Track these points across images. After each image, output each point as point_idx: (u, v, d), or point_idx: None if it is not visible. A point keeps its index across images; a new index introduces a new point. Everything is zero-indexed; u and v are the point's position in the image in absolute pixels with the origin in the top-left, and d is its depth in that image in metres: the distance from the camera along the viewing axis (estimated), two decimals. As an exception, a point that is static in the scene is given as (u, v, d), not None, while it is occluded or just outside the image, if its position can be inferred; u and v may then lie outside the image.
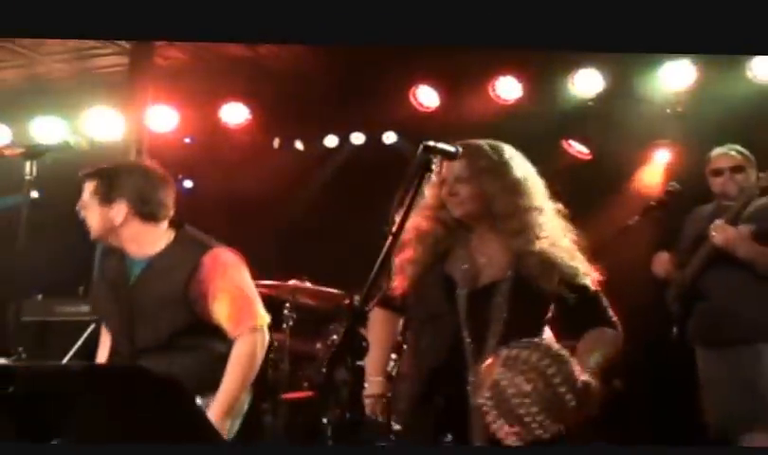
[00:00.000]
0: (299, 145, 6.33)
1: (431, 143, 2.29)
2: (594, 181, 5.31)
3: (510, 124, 5.38)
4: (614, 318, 2.65)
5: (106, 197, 2.98)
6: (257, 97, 5.96)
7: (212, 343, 2.97)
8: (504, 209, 2.57)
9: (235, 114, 5.99)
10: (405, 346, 3.28)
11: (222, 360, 2.93)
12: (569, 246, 2.60)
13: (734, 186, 3.96)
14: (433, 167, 2.29)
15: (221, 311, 2.93)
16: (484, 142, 2.67)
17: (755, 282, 3.72)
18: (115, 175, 3.01)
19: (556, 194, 2.71)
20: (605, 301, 2.66)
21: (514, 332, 2.45)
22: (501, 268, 2.57)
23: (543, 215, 2.61)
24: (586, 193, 5.03)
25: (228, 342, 2.94)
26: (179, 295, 2.93)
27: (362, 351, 2.05)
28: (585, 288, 2.59)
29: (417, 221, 2.60)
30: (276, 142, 6.30)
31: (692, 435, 4.10)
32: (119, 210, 2.98)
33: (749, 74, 4.97)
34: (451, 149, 2.35)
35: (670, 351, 4.00)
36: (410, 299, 2.66)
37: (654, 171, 5.35)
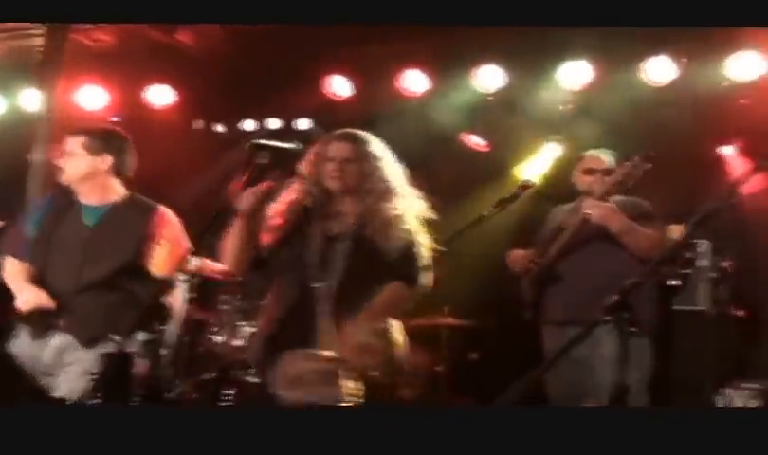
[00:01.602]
0: (219, 128, 6.56)
1: (261, 141, 2.75)
2: (489, 173, 5.63)
3: (415, 116, 5.72)
4: (417, 273, 3.11)
5: (96, 150, 3.66)
6: (181, 80, 6.20)
7: (137, 286, 3.60)
8: (371, 184, 3.13)
9: (161, 96, 6.25)
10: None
11: (136, 305, 3.53)
12: (412, 219, 3.15)
13: (602, 186, 4.34)
14: (264, 161, 2.73)
15: (160, 256, 3.61)
16: (363, 132, 3.24)
17: (608, 267, 4.00)
18: (105, 134, 3.76)
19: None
20: (420, 260, 3.12)
21: (353, 278, 3.03)
22: (348, 224, 3.13)
23: (396, 193, 3.16)
24: (481, 184, 5.43)
25: (147, 288, 3.58)
26: (132, 239, 3.62)
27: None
28: (407, 247, 3.09)
29: (290, 194, 3.15)
30: (197, 124, 6.53)
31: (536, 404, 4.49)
32: (105, 161, 3.67)
33: (643, 76, 5.26)
34: (290, 145, 2.78)
35: (523, 329, 4.37)
36: (274, 255, 3.16)
37: (544, 164, 5.69)
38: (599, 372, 4.04)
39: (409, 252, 3.10)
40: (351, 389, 2.82)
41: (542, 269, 4.30)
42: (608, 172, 4.27)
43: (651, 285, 4.29)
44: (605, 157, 4.36)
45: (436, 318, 5.04)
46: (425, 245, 3.15)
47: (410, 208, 3.18)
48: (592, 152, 4.42)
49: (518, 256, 4.45)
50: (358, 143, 3.18)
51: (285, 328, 3.06)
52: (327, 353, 2.89)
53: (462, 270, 4.79)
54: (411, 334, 3.20)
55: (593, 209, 4.13)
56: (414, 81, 5.79)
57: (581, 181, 4.35)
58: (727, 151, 5.25)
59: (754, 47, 4.88)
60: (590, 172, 4.34)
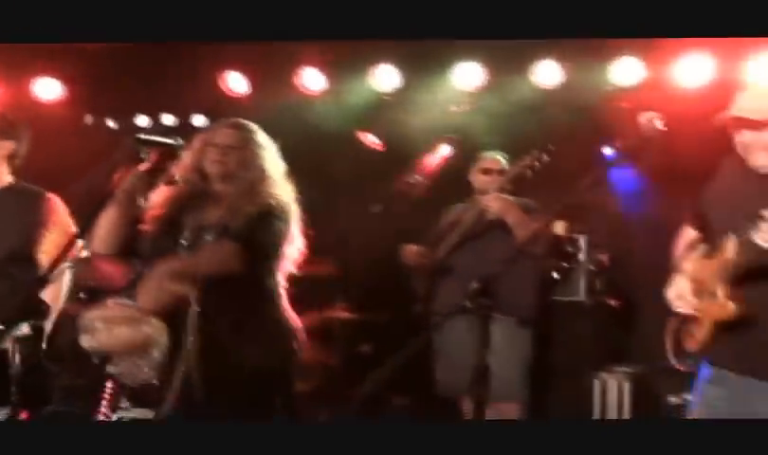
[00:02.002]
0: (111, 123, 6.44)
1: (143, 136, 2.77)
2: (384, 171, 5.68)
3: (312, 114, 5.77)
4: (260, 239, 3.12)
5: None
6: (71, 73, 6.05)
7: (23, 273, 3.54)
8: (250, 172, 3.17)
9: (48, 89, 6.08)
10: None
11: (18, 294, 3.47)
12: (285, 208, 3.18)
13: (498, 183, 4.51)
14: (143, 156, 2.75)
15: (49, 242, 3.56)
16: (249, 122, 3.29)
17: (500, 261, 4.02)
18: (5, 121, 3.74)
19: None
20: (268, 231, 3.13)
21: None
22: (219, 215, 3.13)
23: (273, 183, 3.20)
24: (375, 181, 5.51)
25: (31, 274, 3.52)
26: (19, 225, 3.57)
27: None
28: (261, 216, 3.12)
29: (169, 185, 3.18)
30: (88, 119, 6.40)
31: (423, 390, 4.64)
32: (4, 147, 3.63)
33: (533, 79, 5.42)
34: (169, 141, 2.80)
35: (415, 322, 4.48)
36: (149, 244, 3.18)
37: (434, 162, 5.81)
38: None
39: (260, 221, 3.12)
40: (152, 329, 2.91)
41: (435, 263, 4.44)
42: (502, 172, 4.53)
43: (534, 277, 4.49)
44: (501, 159, 4.62)
45: (329, 312, 5.09)
46: (283, 220, 3.16)
47: (284, 197, 3.20)
48: (489, 153, 4.67)
49: (411, 251, 4.59)
50: (243, 131, 3.23)
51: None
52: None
53: (354, 265, 4.88)
54: (306, 328, 3.24)
55: (493, 202, 4.30)
56: (312, 80, 5.81)
57: (478, 180, 4.60)
58: (608, 151, 5.47)
59: (634, 55, 5.10)
60: (486, 171, 4.58)
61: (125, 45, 5.78)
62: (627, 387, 5.07)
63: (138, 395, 4.07)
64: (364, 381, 4.78)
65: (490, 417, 4.24)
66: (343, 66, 5.78)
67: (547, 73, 5.36)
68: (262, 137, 3.26)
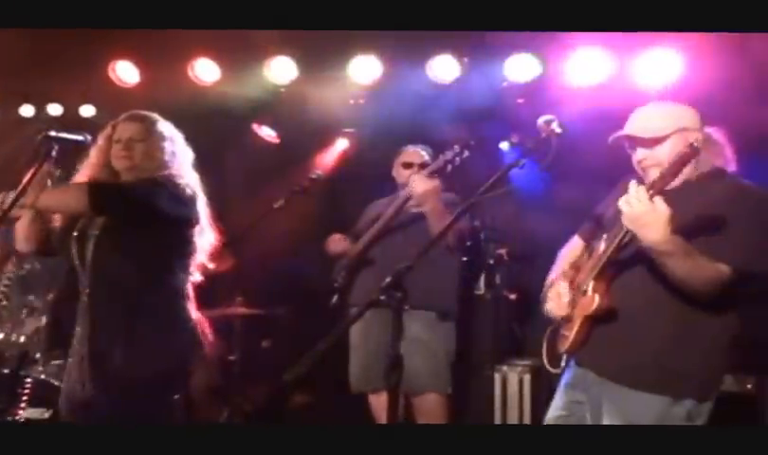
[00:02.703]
0: (-6, 112, 6.13)
1: (53, 133, 2.71)
2: (280, 164, 5.64)
3: (207, 105, 5.63)
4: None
5: None
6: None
7: None
8: (155, 163, 3.15)
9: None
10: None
11: None
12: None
13: (402, 179, 4.55)
14: (53, 154, 2.69)
15: None
16: (151, 113, 3.26)
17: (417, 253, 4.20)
18: None
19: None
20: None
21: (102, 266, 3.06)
22: None
23: (177, 171, 3.18)
24: (272, 175, 5.44)
25: None
26: None
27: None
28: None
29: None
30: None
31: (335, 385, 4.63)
32: None
33: (429, 73, 5.38)
34: (79, 137, 2.74)
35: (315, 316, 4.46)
36: (60, 241, 3.17)
37: (332, 157, 5.80)
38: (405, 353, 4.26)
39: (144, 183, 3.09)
40: None
41: (354, 256, 4.42)
42: (424, 165, 4.50)
43: (455, 271, 4.54)
44: (423, 152, 4.62)
45: (229, 308, 5.01)
46: (175, 195, 3.11)
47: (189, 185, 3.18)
48: (410, 147, 4.67)
49: (334, 240, 4.59)
50: (146, 123, 3.20)
51: (61, 314, 3.00)
52: None
53: (253, 260, 4.81)
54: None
55: (417, 183, 4.26)
56: (206, 70, 5.67)
57: (400, 174, 4.62)
58: (505, 146, 5.57)
59: (530, 51, 5.17)
60: (408, 165, 4.58)
61: (10, 31, 5.53)
62: (527, 379, 5.17)
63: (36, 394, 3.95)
64: (266, 377, 4.77)
65: (413, 408, 4.42)
66: (238, 57, 5.64)
67: (443, 67, 5.36)
68: (165, 127, 3.23)
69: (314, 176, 4.21)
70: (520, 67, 5.19)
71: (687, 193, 2.68)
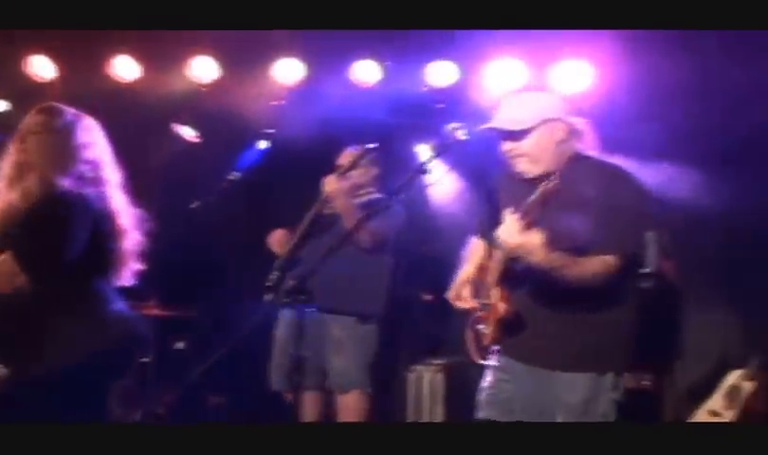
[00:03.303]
0: None
1: None
2: (200, 165, 5.59)
3: (126, 103, 5.53)
4: None
5: None
6: None
7: None
8: (48, 160, 2.91)
9: None
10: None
11: None
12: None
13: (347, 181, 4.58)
14: None
15: None
16: (56, 104, 3.02)
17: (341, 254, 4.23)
18: None
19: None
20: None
21: None
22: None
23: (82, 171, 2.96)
24: (191, 175, 5.41)
25: None
26: None
27: None
28: None
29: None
30: None
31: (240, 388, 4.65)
32: None
33: (352, 76, 5.44)
34: None
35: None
36: None
37: (254, 157, 5.78)
38: (326, 354, 4.45)
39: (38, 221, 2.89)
40: None
41: (285, 256, 4.44)
42: (371, 161, 4.60)
43: (383, 272, 4.62)
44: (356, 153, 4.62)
45: (142, 309, 4.96)
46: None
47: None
48: (349, 150, 4.68)
49: (274, 237, 4.61)
50: (46, 115, 2.96)
51: None
52: None
53: (167, 261, 4.76)
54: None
55: (326, 183, 4.36)
56: (126, 68, 5.60)
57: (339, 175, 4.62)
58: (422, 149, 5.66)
59: (450, 58, 5.28)
60: (337, 167, 4.61)
61: None
62: (440, 378, 5.28)
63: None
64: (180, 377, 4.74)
65: (337, 407, 4.52)
66: (159, 55, 5.59)
67: (366, 70, 5.42)
68: (71, 120, 2.98)
69: (231, 177, 4.19)
70: (440, 73, 5.30)
71: (552, 197, 2.79)
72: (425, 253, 5.40)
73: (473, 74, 5.24)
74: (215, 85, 5.61)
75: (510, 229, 2.72)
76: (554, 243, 2.72)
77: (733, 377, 4.69)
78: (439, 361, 5.33)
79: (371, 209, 4.14)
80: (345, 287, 4.43)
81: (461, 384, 5.14)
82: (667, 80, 4.78)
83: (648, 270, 4.62)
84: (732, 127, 4.84)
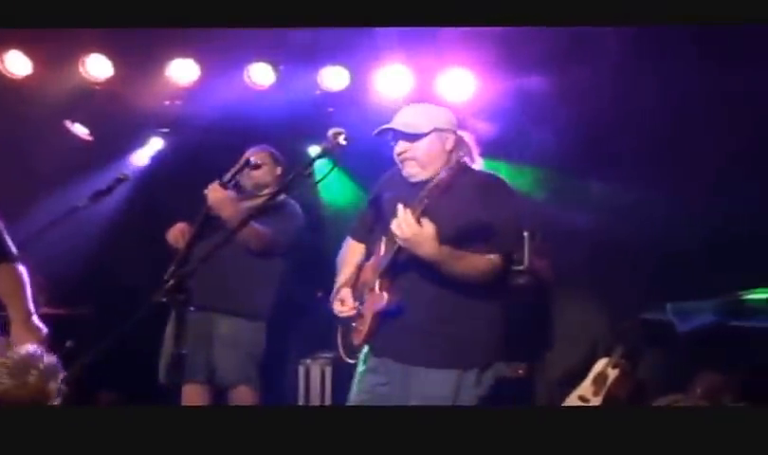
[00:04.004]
0: None
1: None
2: (91, 163, 5.58)
3: (17, 100, 5.49)
4: None
5: None
6: None
7: None
8: None
9: None
10: None
11: None
12: None
13: (249, 181, 4.70)
14: None
15: None
16: None
17: (229, 255, 4.26)
18: None
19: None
20: None
21: None
22: None
23: None
24: (82, 174, 5.39)
25: None
26: None
27: None
28: None
29: None
30: None
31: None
32: None
33: (246, 78, 5.52)
34: None
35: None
36: None
37: (147, 156, 5.83)
38: (214, 352, 4.56)
39: None
40: None
41: (180, 255, 4.49)
42: (257, 167, 4.64)
43: (264, 274, 4.71)
44: (263, 153, 4.75)
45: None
46: None
47: None
48: (252, 149, 4.76)
49: (174, 231, 4.63)
50: None
51: None
52: None
53: (54, 260, 4.79)
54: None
55: (208, 193, 4.41)
56: (17, 64, 5.51)
57: (248, 175, 4.70)
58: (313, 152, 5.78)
59: (342, 63, 5.44)
60: (255, 167, 4.67)
61: None
62: (328, 371, 5.50)
63: None
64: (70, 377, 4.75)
65: (229, 401, 4.65)
66: (51, 52, 5.52)
67: (259, 73, 5.51)
68: None
69: (121, 177, 4.23)
70: (332, 78, 5.45)
71: (445, 189, 3.02)
72: (316, 250, 5.56)
73: (364, 79, 5.41)
74: (109, 83, 5.58)
75: (404, 221, 2.90)
76: (442, 238, 2.93)
77: (600, 365, 5.05)
78: (328, 355, 5.53)
79: (258, 214, 4.22)
80: (233, 287, 4.56)
81: (350, 376, 5.35)
82: (551, 84, 5.05)
83: (521, 268, 4.96)
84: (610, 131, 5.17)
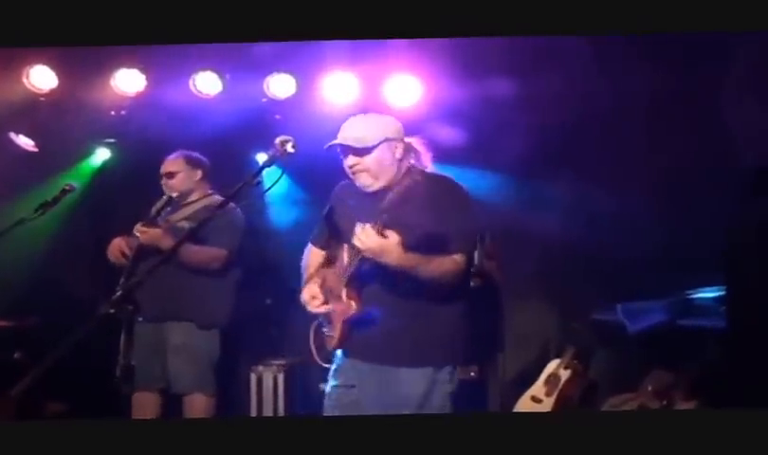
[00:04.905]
0: None
1: None
2: (36, 175, 5.49)
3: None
4: None
5: None
6: None
7: None
8: None
9: None
10: None
11: None
12: None
13: (170, 191, 4.70)
14: None
15: None
16: None
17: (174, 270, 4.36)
18: None
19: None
20: None
21: None
22: None
23: None
24: (26, 186, 5.32)
25: None
26: None
27: None
28: None
29: None
30: None
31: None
32: None
33: (192, 87, 5.46)
34: None
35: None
36: None
37: (92, 167, 5.77)
38: (168, 360, 4.62)
39: None
40: None
41: (127, 268, 4.46)
42: (171, 175, 4.72)
43: (217, 281, 4.74)
44: (180, 160, 4.81)
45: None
46: None
47: None
48: (171, 156, 4.82)
49: (114, 246, 4.63)
50: None
51: None
52: None
53: (0, 272, 4.73)
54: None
55: (140, 235, 4.49)
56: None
57: (165, 184, 4.75)
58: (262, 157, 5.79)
59: (288, 70, 5.43)
60: (169, 175, 4.77)
61: None
62: (281, 378, 5.51)
63: None
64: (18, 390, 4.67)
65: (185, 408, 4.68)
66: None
67: (206, 82, 5.49)
68: None
69: (66, 187, 4.19)
70: (278, 85, 5.45)
71: (402, 199, 3.07)
72: (265, 258, 5.55)
73: (310, 87, 5.42)
74: (53, 94, 5.51)
75: (367, 234, 2.96)
76: (405, 245, 2.99)
77: (552, 366, 5.11)
78: (280, 362, 5.56)
79: (199, 228, 4.22)
80: (186, 295, 4.62)
81: (302, 383, 5.41)
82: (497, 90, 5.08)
83: (472, 270, 4.98)
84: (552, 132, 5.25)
